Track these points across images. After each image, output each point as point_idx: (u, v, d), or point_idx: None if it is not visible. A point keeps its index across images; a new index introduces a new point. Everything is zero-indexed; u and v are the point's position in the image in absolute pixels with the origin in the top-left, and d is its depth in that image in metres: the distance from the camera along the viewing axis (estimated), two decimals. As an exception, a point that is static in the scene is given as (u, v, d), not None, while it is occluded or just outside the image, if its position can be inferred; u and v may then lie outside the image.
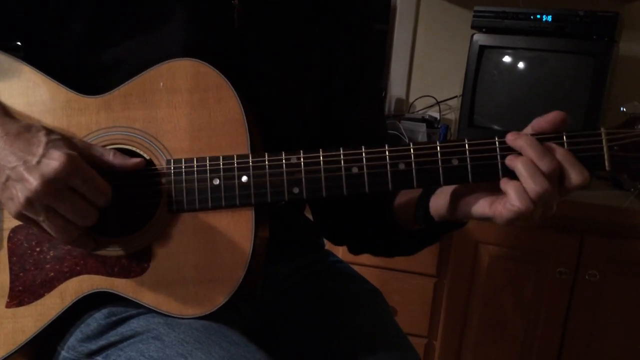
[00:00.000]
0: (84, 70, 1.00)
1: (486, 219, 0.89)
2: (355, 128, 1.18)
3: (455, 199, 0.94)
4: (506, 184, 0.85)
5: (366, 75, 1.19)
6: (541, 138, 0.86)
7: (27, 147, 0.84)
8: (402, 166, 0.88)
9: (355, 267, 1.29)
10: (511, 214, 0.84)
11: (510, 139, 0.86)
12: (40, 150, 0.83)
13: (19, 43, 1.03)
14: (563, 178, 0.84)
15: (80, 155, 0.86)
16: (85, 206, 0.85)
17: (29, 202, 0.82)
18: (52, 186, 0.82)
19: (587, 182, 0.84)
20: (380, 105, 1.28)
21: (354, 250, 1.24)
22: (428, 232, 1.06)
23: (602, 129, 0.84)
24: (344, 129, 1.17)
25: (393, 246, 1.17)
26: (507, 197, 0.85)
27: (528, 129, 0.89)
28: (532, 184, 0.82)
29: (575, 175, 0.83)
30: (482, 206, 0.89)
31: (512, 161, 0.85)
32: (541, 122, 0.88)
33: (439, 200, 0.97)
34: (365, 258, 1.25)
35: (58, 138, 0.86)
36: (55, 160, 0.82)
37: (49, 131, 0.87)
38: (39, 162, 0.82)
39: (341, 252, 1.47)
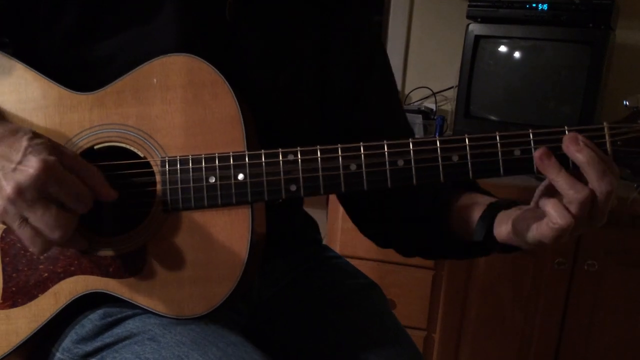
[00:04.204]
0: (75, 66, 0.98)
1: (539, 244, 0.86)
2: (368, 130, 1.15)
3: (519, 229, 0.89)
4: (544, 203, 0.82)
5: (373, 73, 1.16)
6: (542, 132, 0.84)
7: (8, 152, 0.81)
8: (401, 163, 0.87)
9: (353, 261, 1.28)
10: (553, 232, 0.81)
11: (574, 149, 0.82)
12: (18, 157, 0.80)
13: (6, 40, 1.01)
14: None
15: (61, 161, 0.82)
16: (58, 218, 0.81)
17: (4, 210, 0.79)
18: (24, 195, 0.79)
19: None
20: (395, 100, 1.24)
21: (405, 253, 1.20)
22: (483, 247, 1.02)
23: (605, 124, 0.83)
24: (354, 131, 1.14)
25: (443, 252, 1.13)
26: (547, 215, 0.82)
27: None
28: (574, 194, 0.80)
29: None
30: (534, 230, 0.85)
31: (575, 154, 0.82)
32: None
33: (502, 226, 0.93)
34: (362, 252, 1.24)
35: (40, 142, 0.82)
36: (30, 168, 0.79)
37: (33, 136, 0.83)
38: (14, 169, 0.79)
39: (338, 247, 1.46)
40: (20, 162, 0.80)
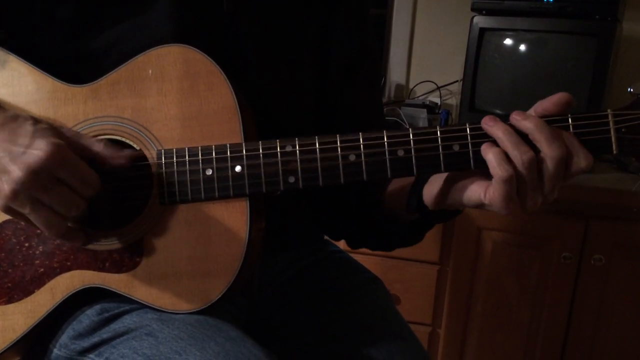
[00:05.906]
0: (71, 58, 0.97)
1: (481, 206, 0.86)
2: (350, 117, 1.15)
3: (448, 186, 0.90)
4: (486, 151, 0.82)
5: (364, 63, 1.16)
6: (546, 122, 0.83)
7: (13, 137, 0.81)
8: (401, 153, 0.85)
9: (357, 257, 1.27)
10: (498, 186, 0.81)
11: (520, 118, 0.83)
12: (25, 141, 0.80)
13: (5, 37, 1.00)
14: (568, 163, 0.81)
15: (69, 145, 0.83)
16: (71, 196, 0.82)
17: (15, 193, 0.79)
18: (37, 177, 0.79)
19: (590, 166, 0.81)
20: (378, 94, 1.25)
21: (352, 244, 1.22)
22: (422, 222, 1.02)
23: (609, 111, 0.81)
24: (338, 117, 1.15)
25: (388, 238, 1.13)
26: (487, 163, 0.82)
27: (531, 112, 0.85)
28: (511, 149, 0.80)
29: (579, 159, 0.81)
30: (476, 192, 0.86)
31: (490, 132, 0.83)
32: (545, 103, 0.84)
33: (433, 189, 0.93)
34: (366, 247, 1.23)
35: (45, 127, 0.83)
36: (40, 150, 0.79)
37: (36, 121, 0.84)
38: (24, 153, 0.79)
39: (342, 241, 1.44)
40: (29, 146, 0.80)
